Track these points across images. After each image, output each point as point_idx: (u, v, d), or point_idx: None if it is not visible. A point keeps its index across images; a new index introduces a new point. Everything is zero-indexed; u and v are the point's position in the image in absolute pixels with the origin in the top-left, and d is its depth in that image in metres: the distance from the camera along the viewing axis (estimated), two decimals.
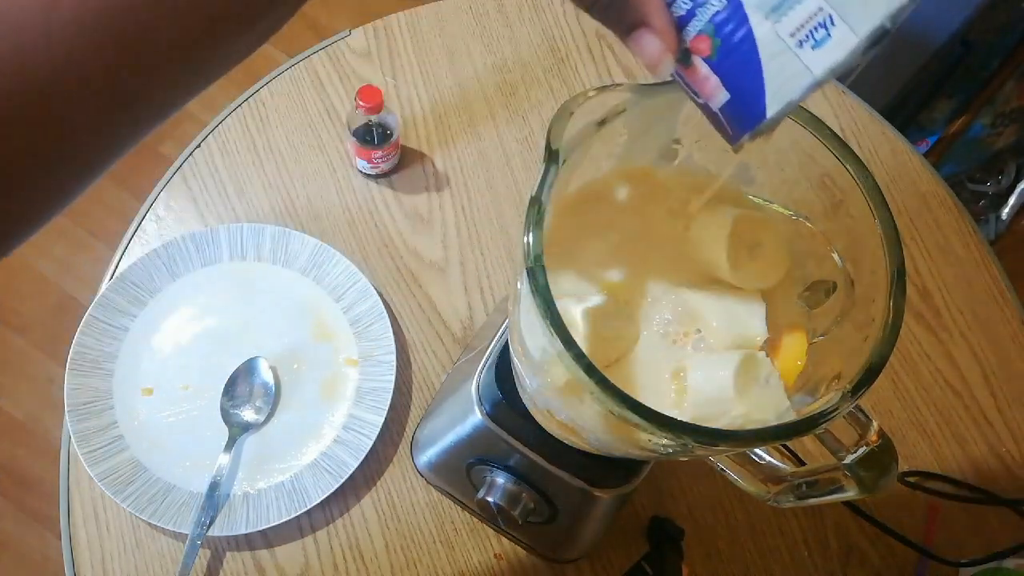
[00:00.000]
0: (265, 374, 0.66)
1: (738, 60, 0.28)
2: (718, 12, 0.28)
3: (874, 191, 0.35)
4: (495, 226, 0.75)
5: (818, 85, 0.28)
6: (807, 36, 0.27)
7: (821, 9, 0.27)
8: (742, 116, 0.30)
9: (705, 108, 0.31)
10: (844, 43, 0.27)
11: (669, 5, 0.29)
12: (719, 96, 0.30)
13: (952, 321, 0.77)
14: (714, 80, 0.29)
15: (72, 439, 0.62)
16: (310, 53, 0.80)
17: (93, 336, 0.65)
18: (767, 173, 0.40)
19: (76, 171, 0.26)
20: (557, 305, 0.31)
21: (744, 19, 0.28)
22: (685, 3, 0.29)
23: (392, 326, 0.67)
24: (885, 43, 0.27)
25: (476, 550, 0.64)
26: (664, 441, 0.33)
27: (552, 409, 0.40)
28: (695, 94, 0.31)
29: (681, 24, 0.29)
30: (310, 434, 0.65)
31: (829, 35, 0.27)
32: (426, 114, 0.79)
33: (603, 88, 0.35)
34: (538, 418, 0.45)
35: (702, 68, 0.30)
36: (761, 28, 0.27)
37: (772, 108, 0.29)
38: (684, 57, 0.30)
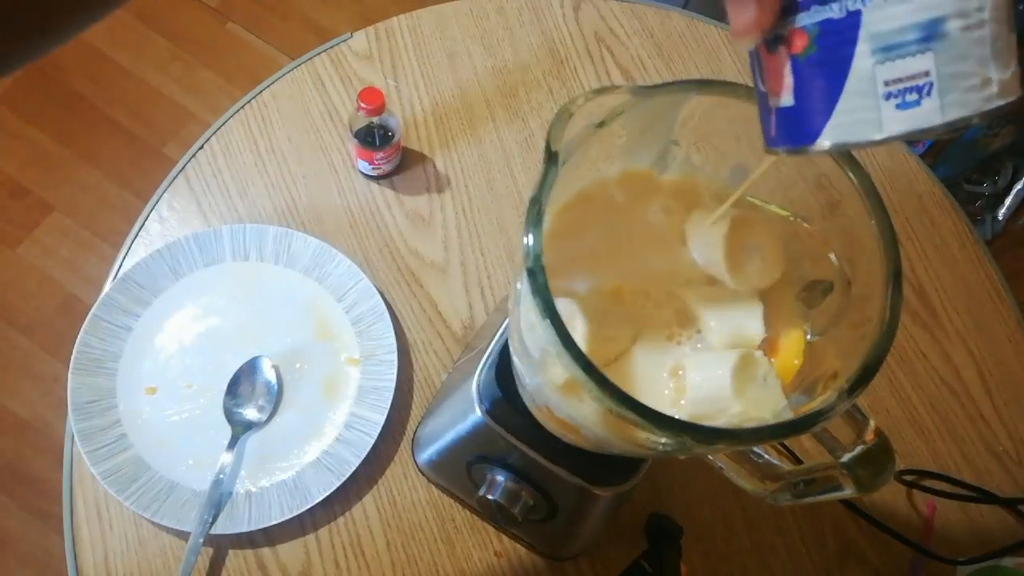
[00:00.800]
0: (267, 373, 0.66)
1: (822, 76, 0.27)
2: (832, 20, 0.26)
3: (871, 192, 0.35)
4: (495, 227, 0.76)
5: (879, 143, 0.26)
6: (898, 92, 0.25)
7: (927, 74, 0.24)
8: (793, 129, 0.28)
9: (762, 97, 0.30)
10: (926, 117, 0.25)
11: None
12: (783, 97, 0.28)
13: (948, 321, 0.77)
14: (788, 81, 0.28)
15: (75, 438, 0.62)
16: (312, 55, 0.81)
17: (97, 335, 0.65)
18: (764, 173, 0.40)
19: None
20: (556, 305, 0.31)
21: (852, 42, 0.25)
22: None
23: (393, 326, 0.68)
24: (961, 135, 0.26)
25: (476, 548, 0.64)
26: (662, 439, 0.33)
27: (551, 407, 0.40)
28: (760, 80, 0.30)
29: (790, 9, 0.27)
30: (312, 433, 0.65)
31: (919, 102, 0.25)
32: (427, 116, 0.80)
33: (602, 90, 0.35)
34: (538, 416, 0.45)
35: (784, 62, 0.28)
36: (862, 60, 0.25)
37: (825, 140, 0.27)
38: (773, 41, 0.28)
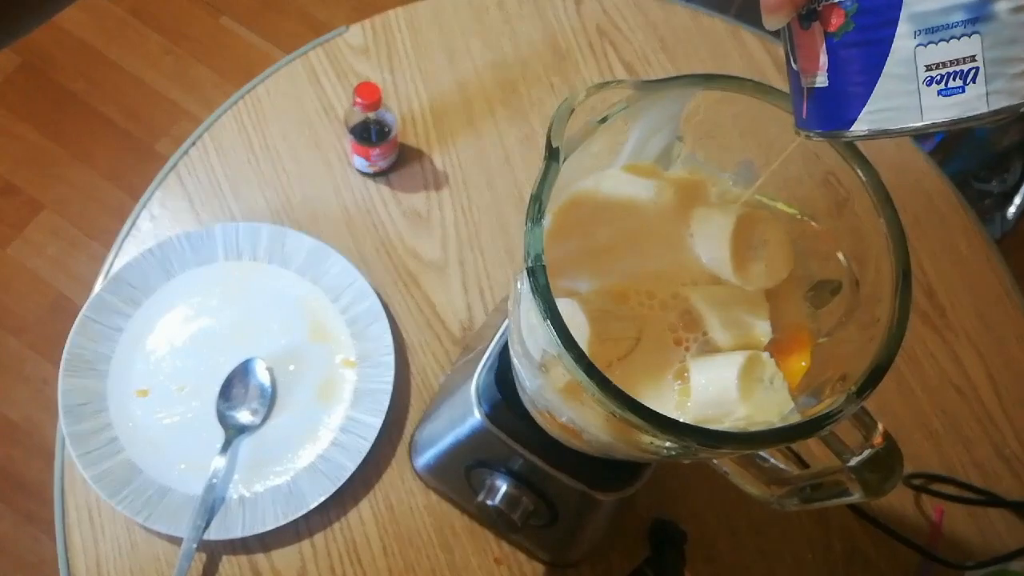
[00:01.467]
0: (261, 375, 0.65)
1: (859, 57, 0.25)
2: None
3: (879, 190, 0.35)
4: (495, 226, 0.74)
5: (919, 131, 0.24)
6: (941, 77, 0.23)
7: (974, 58, 0.23)
8: (827, 112, 0.27)
9: (793, 76, 0.28)
10: (970, 105, 0.23)
11: None
12: (816, 78, 0.26)
13: (957, 321, 0.76)
14: (822, 60, 0.26)
15: (66, 441, 0.61)
16: (307, 49, 0.80)
17: (87, 337, 0.64)
18: (771, 171, 0.39)
19: None
20: (558, 305, 0.30)
21: (893, 22, 0.24)
22: None
23: (390, 327, 0.67)
24: (1004, 122, 0.25)
25: (476, 554, 0.63)
26: (667, 443, 0.33)
27: (553, 411, 0.39)
28: (792, 57, 0.28)
29: None
30: (307, 436, 0.64)
31: (963, 89, 0.23)
32: (425, 112, 0.79)
33: (604, 84, 0.34)
34: (538, 420, 0.45)
35: (818, 40, 0.26)
36: (903, 41, 0.24)
37: (861, 126, 0.25)
38: (806, 17, 0.26)
